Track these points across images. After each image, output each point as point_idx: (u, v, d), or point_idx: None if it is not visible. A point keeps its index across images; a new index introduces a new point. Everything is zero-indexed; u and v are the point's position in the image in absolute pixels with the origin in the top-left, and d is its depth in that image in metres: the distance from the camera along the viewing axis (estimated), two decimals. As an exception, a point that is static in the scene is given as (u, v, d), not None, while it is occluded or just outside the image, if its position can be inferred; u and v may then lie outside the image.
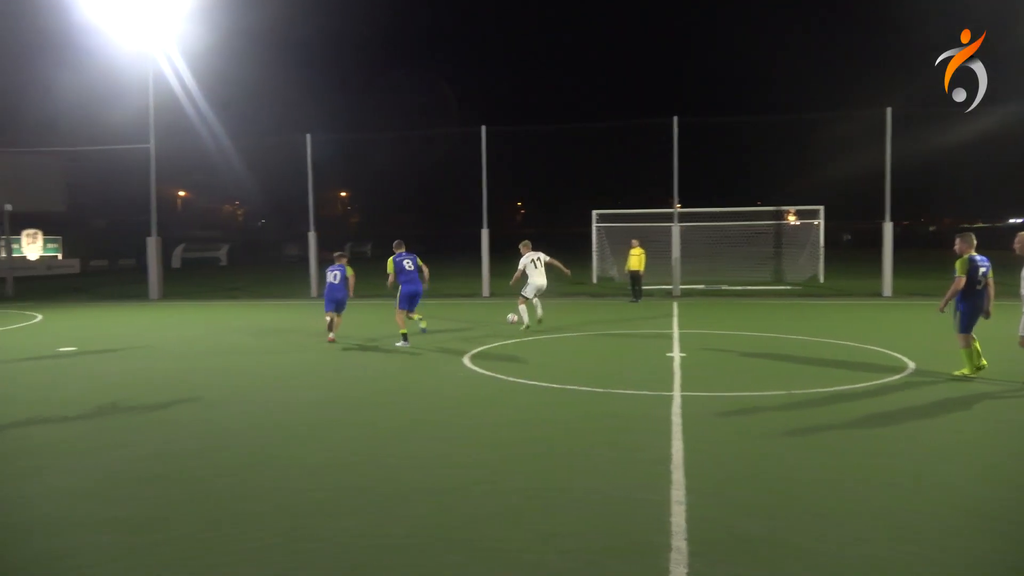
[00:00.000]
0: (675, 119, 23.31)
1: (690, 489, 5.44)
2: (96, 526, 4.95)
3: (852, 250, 52.76)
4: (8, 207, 29.18)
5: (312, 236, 25.41)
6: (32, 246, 42.40)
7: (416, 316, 13.83)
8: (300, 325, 16.82)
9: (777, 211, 31.04)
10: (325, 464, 6.25)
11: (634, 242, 21.73)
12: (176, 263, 51.86)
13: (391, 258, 13.54)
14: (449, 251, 39.65)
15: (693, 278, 25.69)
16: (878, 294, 22.22)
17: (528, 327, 14.80)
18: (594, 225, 29.72)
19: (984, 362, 9.47)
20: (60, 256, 45.88)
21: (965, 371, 9.47)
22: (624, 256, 22.96)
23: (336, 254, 14.43)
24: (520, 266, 15.28)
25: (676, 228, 23.59)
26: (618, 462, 6.19)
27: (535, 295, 15.15)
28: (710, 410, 7.97)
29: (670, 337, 13.88)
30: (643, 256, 21.47)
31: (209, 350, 13.29)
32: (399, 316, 13.25)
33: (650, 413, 7.87)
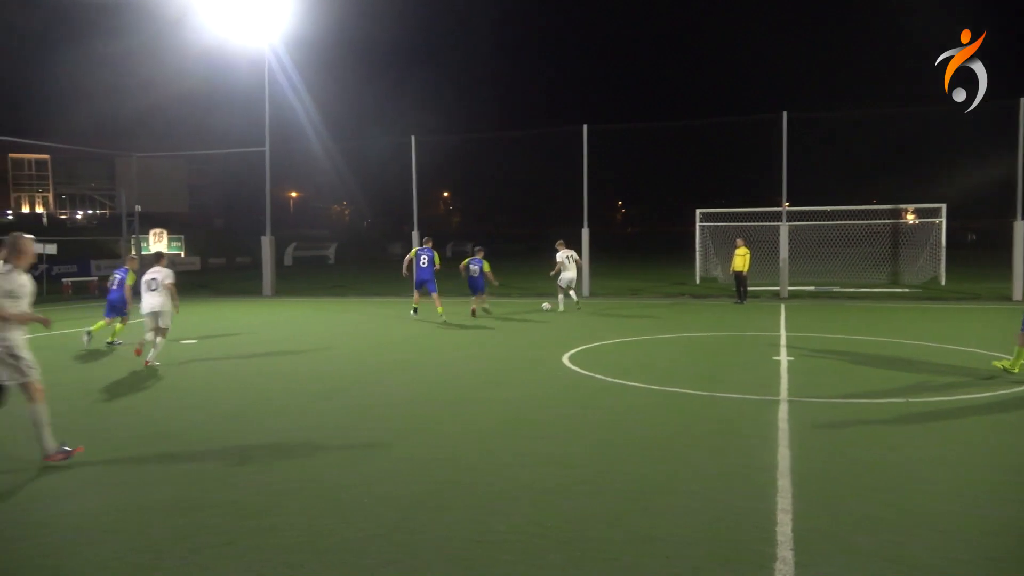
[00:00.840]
0: (784, 114, 22.55)
1: (797, 498, 5.25)
2: (212, 508, 5.23)
3: (977, 251, 49.55)
4: (138, 208, 31.24)
5: (415, 235, 25.97)
6: (158, 244, 45.13)
7: (439, 308, 16.76)
8: (399, 323, 17.23)
9: (894, 209, 29.51)
10: (428, 459, 6.38)
11: (739, 242, 21.15)
12: (288, 261, 54.06)
13: (415, 249, 17.58)
14: (550, 250, 39.71)
15: (802, 279, 24.77)
16: (1007, 298, 20.79)
17: (559, 310, 18.41)
18: (697, 224, 29.10)
19: None
20: (182, 254, 48.64)
21: (1005, 364, 9.53)
22: (728, 256, 22.38)
23: (424, 238, 17.99)
24: (558, 260, 18.63)
25: (784, 227, 22.81)
26: (722, 467, 6.04)
27: (567, 286, 18.68)
28: (819, 417, 7.66)
29: (777, 340, 13.44)
30: (748, 256, 20.87)
31: (314, 343, 13.80)
32: (416, 295, 17.71)
33: (755, 418, 7.65)
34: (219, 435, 7.32)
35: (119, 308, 13.39)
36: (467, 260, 17.81)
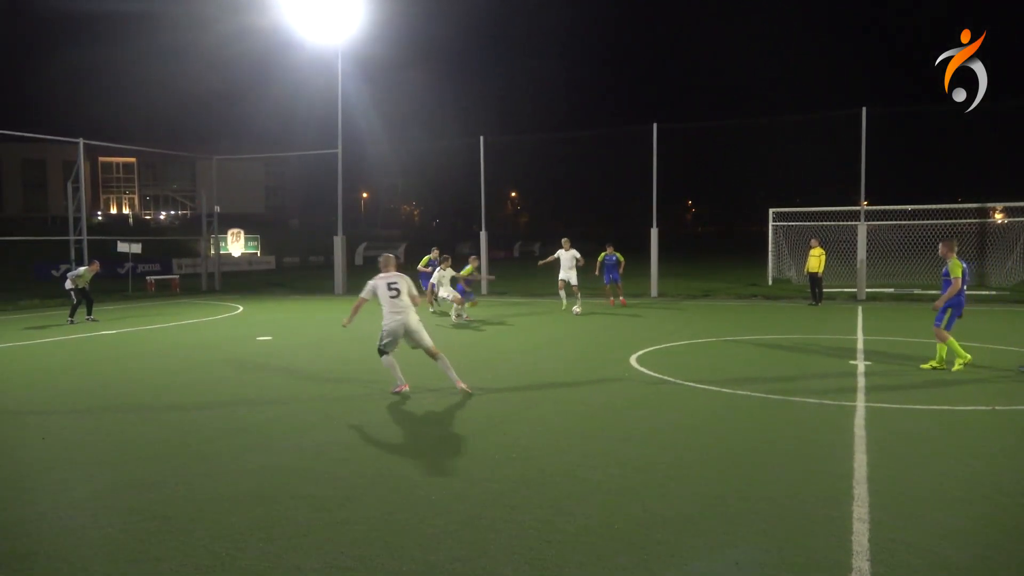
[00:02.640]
0: (863, 110, 21.84)
1: (875, 507, 5.10)
2: (292, 501, 5.38)
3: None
4: (217, 209, 32.34)
5: (483, 235, 26.16)
6: (236, 244, 46.62)
7: (469, 305, 17.43)
8: (463, 322, 17.38)
9: (981, 208, 28.22)
10: (499, 458, 6.43)
11: (813, 242, 20.59)
12: (359, 260, 55.14)
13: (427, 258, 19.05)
14: (618, 251, 39.38)
15: (881, 281, 23.93)
16: (1104, 302, 19.67)
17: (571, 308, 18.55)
18: (771, 224, 28.47)
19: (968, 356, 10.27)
20: (259, 253, 50.14)
21: (963, 360, 10.27)
22: (802, 257, 21.81)
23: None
24: (555, 256, 19.09)
25: (863, 227, 22.11)
26: (796, 473, 5.91)
27: (561, 286, 19.26)
28: (898, 424, 7.41)
29: (854, 344, 13.04)
30: (823, 257, 20.30)
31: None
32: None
33: (831, 424, 7.45)
34: (295, 429, 7.53)
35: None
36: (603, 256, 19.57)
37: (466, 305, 17.27)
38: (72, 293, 17.92)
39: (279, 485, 5.75)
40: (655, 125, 23.92)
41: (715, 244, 63.33)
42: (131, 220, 71.59)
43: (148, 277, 31.85)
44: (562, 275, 18.99)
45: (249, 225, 50.30)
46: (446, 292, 17.18)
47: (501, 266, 35.66)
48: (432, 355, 9.08)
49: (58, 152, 64.95)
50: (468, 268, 17.94)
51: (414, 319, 8.97)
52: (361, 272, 42.35)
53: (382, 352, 9.07)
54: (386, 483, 5.77)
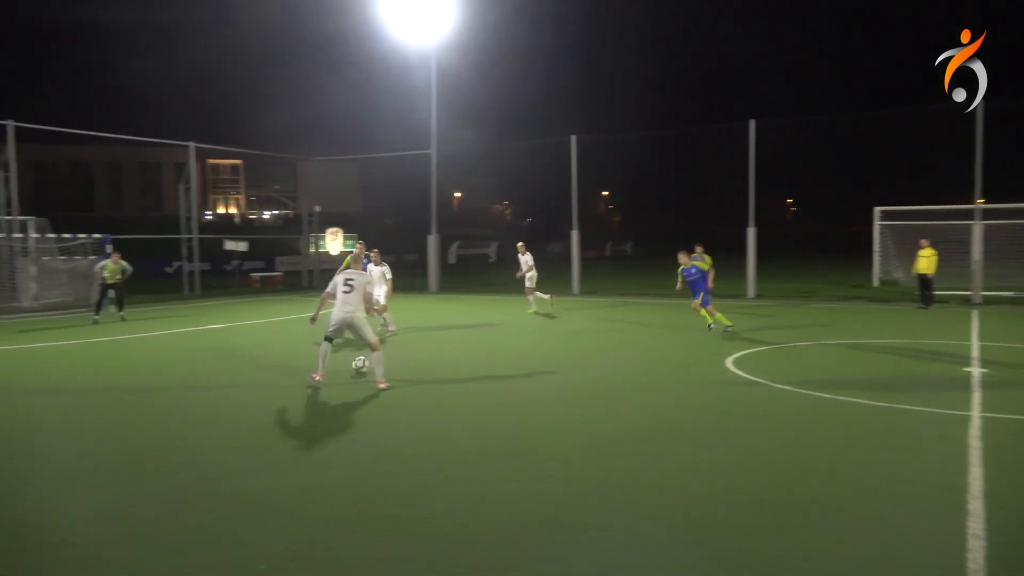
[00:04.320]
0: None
1: (992, 523, 4.74)
2: (373, 494, 5.45)
3: None
4: (317, 208, 33.43)
5: (575, 235, 26.02)
6: (334, 243, 48.05)
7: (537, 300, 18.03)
8: (559, 320, 17.31)
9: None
10: (584, 458, 6.34)
11: (923, 242, 19.50)
12: (451, 259, 55.88)
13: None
14: (714, 250, 38.47)
15: (999, 284, 22.43)
16: None
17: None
18: (876, 223, 27.13)
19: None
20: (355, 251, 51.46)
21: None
22: (911, 257, 20.68)
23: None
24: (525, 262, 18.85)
25: (978, 227, 20.80)
26: (902, 484, 5.57)
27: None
28: (1019, 436, 6.90)
29: (967, 349, 12.26)
30: (934, 258, 19.20)
31: (476, 340, 14.13)
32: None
33: (942, 434, 7.00)
34: (382, 423, 7.65)
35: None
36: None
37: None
38: (99, 288, 17.98)
39: (364, 478, 5.84)
40: (752, 121, 23.19)
41: (816, 244, 60.97)
42: (238, 219, 74.91)
43: (253, 274, 33.19)
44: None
45: (346, 224, 51.73)
46: (379, 292, 14.20)
47: (592, 266, 35.38)
48: (372, 347, 9.49)
49: (171, 155, 68.57)
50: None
51: (360, 317, 9.47)
52: (454, 271, 43.03)
53: (327, 339, 9.67)
54: (469, 479, 5.77)
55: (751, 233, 22.95)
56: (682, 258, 14.33)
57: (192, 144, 26.93)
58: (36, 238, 21.63)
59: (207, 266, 30.53)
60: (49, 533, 4.82)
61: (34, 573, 4.24)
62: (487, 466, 6.14)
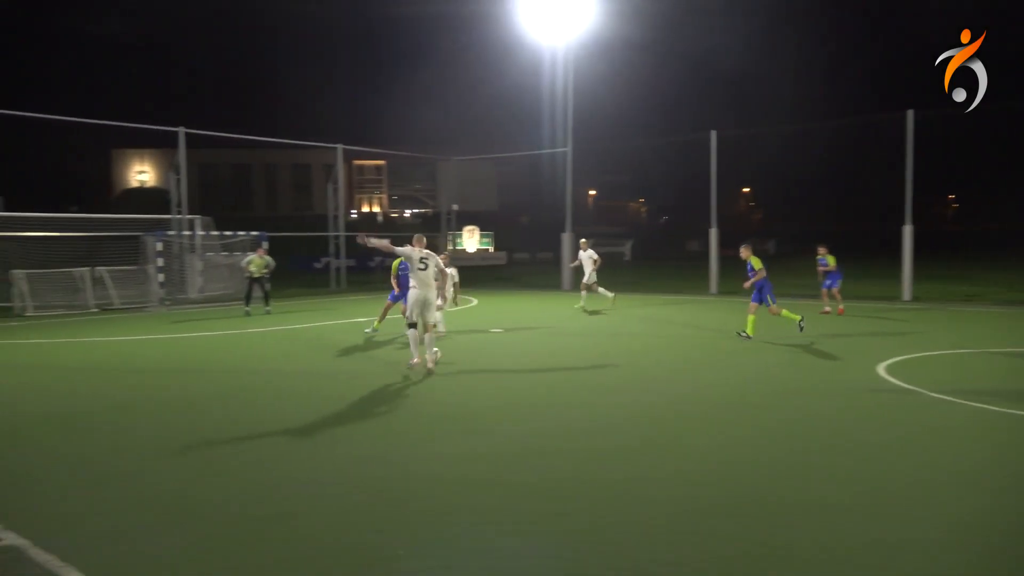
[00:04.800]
0: None
1: None
2: (502, 487, 5.50)
3: None
4: (455, 207, 34.29)
5: (713, 233, 25.29)
6: (470, 240, 49.15)
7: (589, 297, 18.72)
8: (698, 320, 16.87)
9: None
10: (722, 461, 6.14)
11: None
12: (585, 257, 55.74)
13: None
14: (866, 250, 36.32)
15: None
16: None
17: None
18: (1052, 221, 24.69)
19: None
20: (491, 249, 52.44)
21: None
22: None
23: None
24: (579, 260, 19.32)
25: None
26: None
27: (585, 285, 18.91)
28: None
29: None
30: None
31: (604, 338, 14.02)
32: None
33: None
34: (514, 417, 7.72)
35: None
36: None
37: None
38: (247, 282, 19.02)
39: (494, 471, 5.90)
40: (910, 112, 21.64)
41: (980, 243, 56.27)
42: (380, 218, 78.13)
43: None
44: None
45: (482, 222, 52.80)
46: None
47: (731, 265, 34.27)
48: (426, 328, 10.24)
49: (321, 156, 72.40)
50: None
51: (433, 295, 10.21)
52: (587, 269, 42.95)
53: (410, 325, 10.25)
54: (600, 479, 5.71)
55: (907, 231, 21.46)
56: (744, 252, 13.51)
57: (340, 146, 28.30)
58: (202, 235, 23.47)
59: (352, 262, 32.02)
60: (209, 506, 5.19)
61: (198, 544, 4.57)
62: (625, 465, 6.06)
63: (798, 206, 78.95)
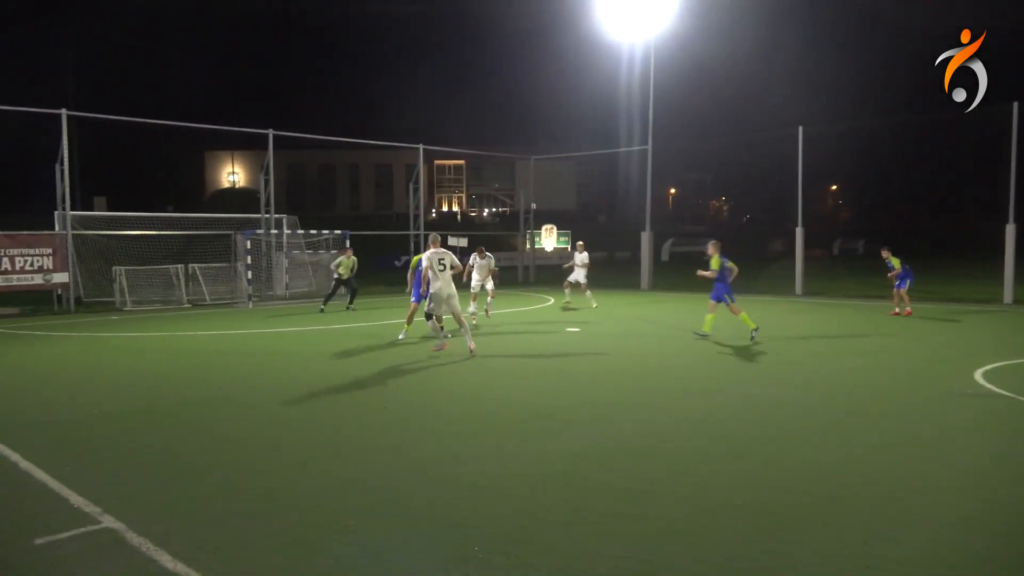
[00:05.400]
0: None
1: None
2: (591, 487, 5.46)
3: None
4: (533, 206, 34.33)
5: (799, 232, 24.54)
6: (548, 239, 49.13)
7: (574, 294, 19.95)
8: (784, 321, 16.40)
9: None
10: (813, 468, 5.93)
11: None
12: (664, 256, 55.04)
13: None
14: (967, 251, 34.55)
15: None
16: None
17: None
18: None
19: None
20: (569, 248, 52.28)
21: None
22: None
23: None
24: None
25: None
26: None
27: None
28: None
29: None
30: None
31: (690, 340, 13.77)
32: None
33: None
34: (596, 418, 7.66)
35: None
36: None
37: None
38: (335, 282, 19.50)
39: (582, 472, 5.86)
40: (1016, 104, 20.44)
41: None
42: (459, 217, 78.99)
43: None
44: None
45: (561, 221, 52.70)
46: (489, 284, 17.57)
47: (817, 265, 33.16)
48: (459, 321, 11.61)
49: (402, 156, 73.72)
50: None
51: (454, 290, 11.44)
52: (667, 268, 42.33)
53: (428, 315, 11.57)
54: (686, 481, 5.60)
55: (1010, 230, 20.32)
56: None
57: (421, 146, 28.72)
58: (288, 234, 24.22)
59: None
60: (296, 497, 5.33)
61: (285, 533, 4.70)
62: (709, 467, 5.93)
63: (890, 204, 75.89)
